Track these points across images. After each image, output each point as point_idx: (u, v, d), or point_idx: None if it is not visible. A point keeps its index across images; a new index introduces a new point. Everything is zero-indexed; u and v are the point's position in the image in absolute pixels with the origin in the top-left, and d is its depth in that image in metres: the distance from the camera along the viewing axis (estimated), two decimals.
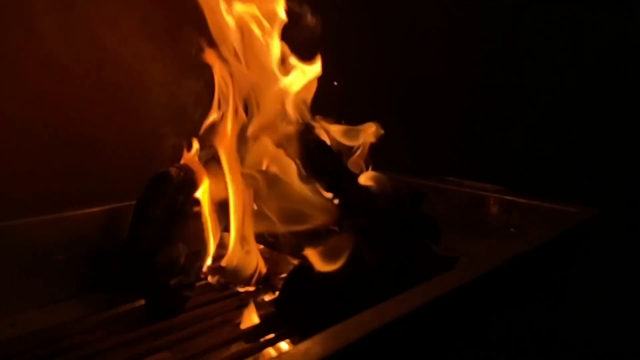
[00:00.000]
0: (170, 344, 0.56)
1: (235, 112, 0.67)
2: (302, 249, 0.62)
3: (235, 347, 0.56)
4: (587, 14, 0.87)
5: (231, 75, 0.66)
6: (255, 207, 0.67)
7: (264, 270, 0.68)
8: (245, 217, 0.67)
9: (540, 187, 0.82)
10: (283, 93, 0.68)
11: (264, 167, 0.69)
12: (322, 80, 0.73)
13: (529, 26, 0.94)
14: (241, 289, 0.67)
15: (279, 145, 0.66)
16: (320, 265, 0.56)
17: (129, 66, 0.84)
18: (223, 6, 0.65)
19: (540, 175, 0.92)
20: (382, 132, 0.75)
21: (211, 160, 0.69)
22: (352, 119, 0.77)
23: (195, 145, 0.70)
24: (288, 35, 0.71)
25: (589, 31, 0.87)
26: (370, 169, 0.76)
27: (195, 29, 0.67)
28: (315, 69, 0.71)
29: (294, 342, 0.56)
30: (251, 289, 0.68)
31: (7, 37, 0.75)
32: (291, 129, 0.67)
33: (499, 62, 0.98)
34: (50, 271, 0.67)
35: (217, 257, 0.69)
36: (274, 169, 0.67)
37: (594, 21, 0.86)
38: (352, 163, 0.76)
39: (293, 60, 0.71)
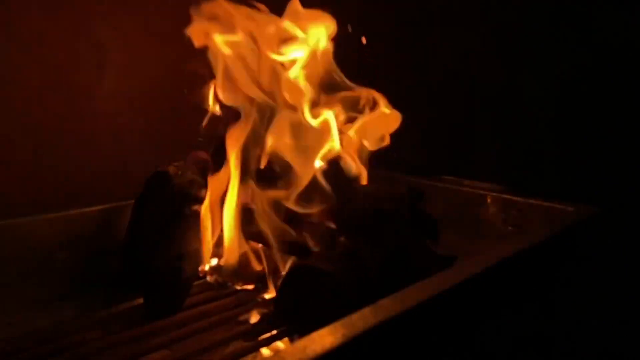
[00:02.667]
0: (169, 342, 0.56)
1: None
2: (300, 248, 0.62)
3: (234, 346, 0.56)
4: (586, 13, 0.87)
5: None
6: (253, 206, 0.67)
7: (262, 269, 0.68)
8: (240, 216, 0.67)
9: (539, 186, 0.83)
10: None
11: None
12: None
13: (528, 25, 0.94)
14: (239, 288, 0.68)
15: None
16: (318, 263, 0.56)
17: (129, 66, 0.85)
18: None
19: (539, 174, 0.93)
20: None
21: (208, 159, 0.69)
22: None
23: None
24: None
25: (588, 30, 0.87)
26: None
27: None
28: None
29: (292, 340, 0.56)
30: (249, 287, 0.68)
31: (2, 38, 0.75)
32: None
33: (498, 61, 0.98)
34: (49, 270, 0.67)
35: (216, 256, 0.69)
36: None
37: (593, 20, 0.87)
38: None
39: None
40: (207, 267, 0.69)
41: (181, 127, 0.73)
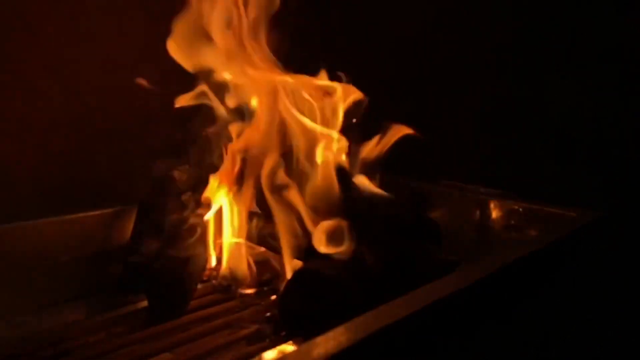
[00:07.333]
0: (172, 345, 0.56)
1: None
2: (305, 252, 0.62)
3: (238, 349, 0.56)
4: (586, 14, 0.87)
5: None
6: (257, 209, 0.68)
7: (266, 272, 0.68)
8: (245, 220, 0.68)
9: (541, 191, 0.83)
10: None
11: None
12: None
13: (526, 28, 0.95)
14: (243, 291, 0.68)
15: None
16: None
17: (133, 69, 0.85)
18: None
19: (541, 179, 0.93)
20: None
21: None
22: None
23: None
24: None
25: (587, 32, 0.88)
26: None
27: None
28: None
29: (296, 344, 0.57)
30: (253, 291, 0.68)
31: (10, 40, 0.75)
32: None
33: (498, 66, 0.99)
34: (53, 273, 0.67)
35: (220, 259, 0.69)
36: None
37: (593, 21, 0.87)
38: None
39: None
40: (211, 270, 0.70)
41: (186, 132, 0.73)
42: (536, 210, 0.78)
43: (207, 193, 0.67)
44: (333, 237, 0.57)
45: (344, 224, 0.58)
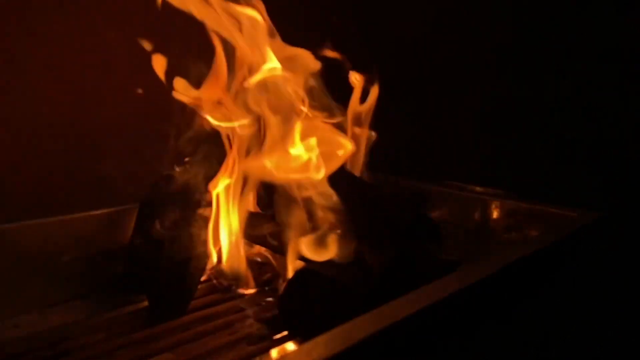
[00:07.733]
0: (173, 345, 0.56)
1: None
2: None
3: (238, 349, 0.56)
4: (586, 14, 0.87)
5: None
6: (258, 209, 0.68)
7: (267, 273, 0.68)
8: (245, 220, 0.68)
9: (542, 192, 0.83)
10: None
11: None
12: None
13: (524, 28, 0.95)
14: (244, 291, 0.68)
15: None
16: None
17: (135, 69, 0.85)
18: None
19: (542, 179, 0.93)
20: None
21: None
22: None
23: None
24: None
25: (587, 32, 0.88)
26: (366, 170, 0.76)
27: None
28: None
29: (296, 344, 0.57)
30: (254, 291, 0.68)
31: (11, 40, 0.76)
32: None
33: (498, 66, 0.99)
34: (54, 273, 0.67)
35: (221, 259, 0.69)
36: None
37: (593, 21, 0.87)
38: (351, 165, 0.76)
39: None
40: (212, 270, 0.70)
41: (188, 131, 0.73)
42: (536, 210, 0.78)
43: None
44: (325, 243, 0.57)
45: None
